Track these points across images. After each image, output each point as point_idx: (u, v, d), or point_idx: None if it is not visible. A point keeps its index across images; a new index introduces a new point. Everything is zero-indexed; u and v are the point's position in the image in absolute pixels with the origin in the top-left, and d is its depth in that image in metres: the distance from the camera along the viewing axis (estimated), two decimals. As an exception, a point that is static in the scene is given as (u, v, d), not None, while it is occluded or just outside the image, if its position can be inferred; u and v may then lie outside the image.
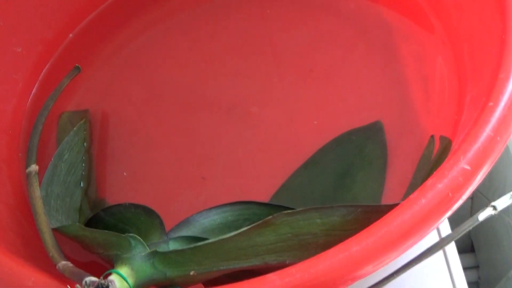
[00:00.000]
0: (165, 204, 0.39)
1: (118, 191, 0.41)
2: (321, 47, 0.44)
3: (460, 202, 0.28)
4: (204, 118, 0.43)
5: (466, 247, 1.05)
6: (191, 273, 0.28)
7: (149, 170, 0.41)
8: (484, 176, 0.28)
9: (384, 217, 0.27)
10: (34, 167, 0.34)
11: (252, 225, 0.28)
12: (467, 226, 0.30)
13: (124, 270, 0.27)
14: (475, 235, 1.00)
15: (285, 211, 0.29)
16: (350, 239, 0.27)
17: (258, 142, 0.40)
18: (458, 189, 0.27)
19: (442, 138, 0.37)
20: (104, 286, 0.25)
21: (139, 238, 0.29)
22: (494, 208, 0.30)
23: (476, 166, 0.27)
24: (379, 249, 0.26)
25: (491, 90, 0.30)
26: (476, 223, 0.31)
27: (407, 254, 0.29)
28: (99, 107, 0.45)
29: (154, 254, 0.28)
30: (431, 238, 0.37)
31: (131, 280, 0.27)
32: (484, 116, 0.29)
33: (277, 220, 0.28)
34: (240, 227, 0.32)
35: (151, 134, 0.43)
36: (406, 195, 0.36)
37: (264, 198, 0.38)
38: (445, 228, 0.38)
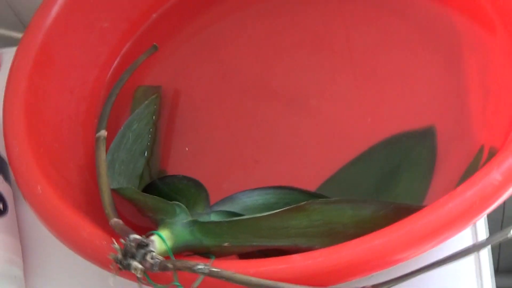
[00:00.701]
0: (218, 181, 0.41)
1: (179, 164, 0.44)
2: (387, 48, 0.45)
3: (487, 211, 0.28)
4: (265, 105, 0.45)
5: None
6: (226, 244, 0.30)
7: (208, 147, 0.44)
8: (516, 189, 0.29)
9: (411, 216, 0.29)
10: (103, 133, 0.38)
11: (286, 207, 0.30)
12: (495, 238, 0.31)
13: (165, 232, 0.30)
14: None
15: (319, 200, 0.30)
16: (375, 232, 0.29)
17: (313, 134, 0.42)
18: (486, 198, 0.28)
19: (491, 148, 0.37)
20: (144, 244, 0.28)
21: (184, 207, 0.32)
22: (531, 226, 0.31)
23: (508, 178, 0.28)
24: (400, 245, 0.28)
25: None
26: (505, 238, 0.31)
27: (434, 254, 0.30)
28: (172, 85, 0.48)
29: (195, 222, 0.31)
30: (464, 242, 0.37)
31: (169, 242, 0.29)
32: (526, 131, 0.29)
33: (311, 207, 0.30)
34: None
35: (214, 115, 0.46)
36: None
37: (312, 187, 0.40)
38: (481, 232, 0.38)
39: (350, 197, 0.31)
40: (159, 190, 0.37)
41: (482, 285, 0.36)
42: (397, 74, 0.44)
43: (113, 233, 0.32)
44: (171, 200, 0.35)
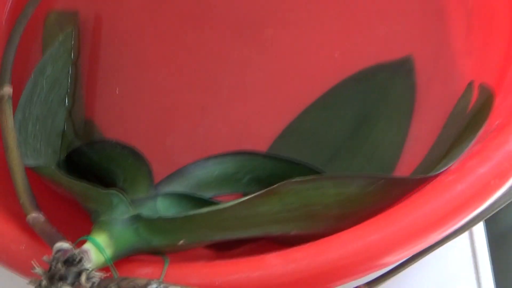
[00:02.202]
0: (159, 134, 0.34)
1: (108, 111, 0.36)
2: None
3: (501, 192, 0.23)
4: (210, 35, 0.37)
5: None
6: (180, 242, 0.24)
7: (143, 90, 0.36)
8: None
9: (409, 200, 0.23)
10: (7, 90, 0.29)
11: (254, 194, 0.24)
12: (501, 202, 0.26)
13: (102, 238, 0.23)
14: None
15: (294, 179, 0.24)
16: (368, 223, 0.23)
17: (269, 70, 0.35)
18: (502, 176, 0.23)
19: (482, 87, 0.31)
20: (76, 259, 0.22)
21: (122, 195, 0.25)
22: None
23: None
24: (401, 240, 0.22)
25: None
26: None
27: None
28: (92, 10, 0.39)
29: (139, 218, 0.24)
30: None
31: (109, 251, 0.23)
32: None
33: (284, 189, 0.24)
34: (241, 181, 0.29)
35: (148, 48, 0.37)
36: (432, 150, 0.32)
37: (270, 137, 0.33)
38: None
39: (332, 173, 0.25)
40: (88, 157, 0.30)
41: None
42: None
43: (32, 231, 0.25)
44: (104, 172, 0.29)
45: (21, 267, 0.24)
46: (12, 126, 0.28)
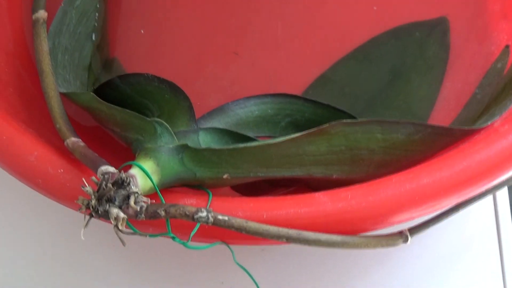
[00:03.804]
0: (188, 77, 0.34)
1: (133, 51, 0.35)
2: None
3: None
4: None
5: None
6: (225, 176, 0.24)
7: (171, 31, 0.35)
8: None
9: (462, 147, 0.23)
10: (42, 14, 0.28)
11: (303, 132, 0.23)
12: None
13: (148, 164, 0.22)
14: None
15: (344, 120, 0.24)
16: (419, 168, 0.23)
17: (303, 18, 0.35)
18: None
19: (519, 51, 0.31)
20: (124, 182, 0.21)
21: (166, 124, 0.24)
22: None
23: None
24: (454, 185, 0.22)
25: None
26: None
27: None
28: None
29: (185, 148, 0.24)
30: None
31: (155, 178, 0.22)
32: None
33: (333, 130, 0.24)
34: (279, 124, 0.28)
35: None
36: (466, 109, 0.32)
37: (301, 85, 0.33)
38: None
39: (381, 118, 0.24)
40: (120, 91, 0.29)
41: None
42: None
43: (70, 155, 0.24)
44: (137, 106, 0.28)
45: (58, 191, 0.23)
46: (47, 49, 0.27)
